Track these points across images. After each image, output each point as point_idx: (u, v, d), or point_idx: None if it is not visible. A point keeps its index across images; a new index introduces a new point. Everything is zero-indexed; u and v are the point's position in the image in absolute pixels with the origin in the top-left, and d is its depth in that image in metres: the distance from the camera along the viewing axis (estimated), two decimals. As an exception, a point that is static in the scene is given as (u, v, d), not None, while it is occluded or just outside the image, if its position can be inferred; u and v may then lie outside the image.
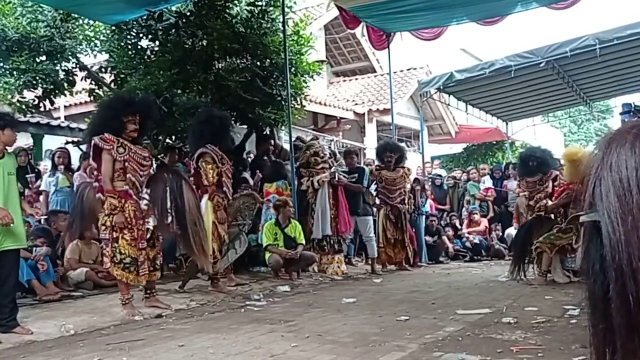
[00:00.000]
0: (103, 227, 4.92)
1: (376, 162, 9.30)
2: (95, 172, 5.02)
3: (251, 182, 8.07)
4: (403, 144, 10.69)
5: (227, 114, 6.74)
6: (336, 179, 7.71)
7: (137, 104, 5.24)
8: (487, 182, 11.31)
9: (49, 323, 4.49)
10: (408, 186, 8.81)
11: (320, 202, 7.47)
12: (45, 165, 8.55)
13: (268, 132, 8.73)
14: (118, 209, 4.86)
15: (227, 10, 7.79)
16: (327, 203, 7.53)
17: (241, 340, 3.81)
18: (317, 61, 9.30)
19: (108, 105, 5.32)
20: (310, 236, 7.49)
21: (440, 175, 12.20)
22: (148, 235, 5.08)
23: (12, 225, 4.17)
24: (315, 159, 7.61)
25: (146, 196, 5.19)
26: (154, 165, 6.74)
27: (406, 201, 8.66)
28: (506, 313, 4.54)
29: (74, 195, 6.06)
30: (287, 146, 8.73)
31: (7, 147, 4.47)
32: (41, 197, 7.51)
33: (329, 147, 9.35)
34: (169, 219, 5.17)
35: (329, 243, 7.62)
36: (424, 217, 9.70)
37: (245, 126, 8.61)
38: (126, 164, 4.94)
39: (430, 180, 11.64)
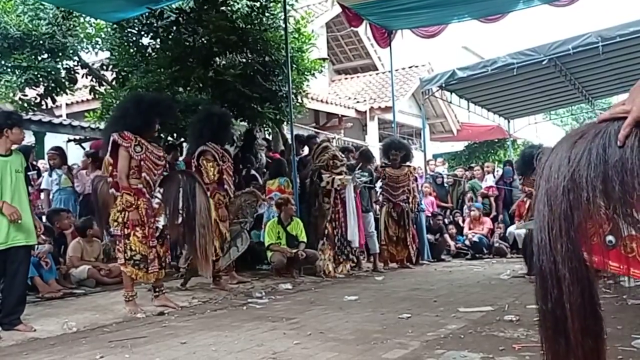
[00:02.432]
0: (115, 224, 4.92)
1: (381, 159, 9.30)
2: (110, 168, 5.01)
3: (260, 180, 8.06)
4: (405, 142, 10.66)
5: (226, 112, 6.73)
6: (358, 187, 7.76)
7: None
8: (490, 180, 11.28)
9: (52, 320, 4.50)
10: (412, 185, 8.79)
11: (349, 208, 7.52)
12: (44, 163, 8.57)
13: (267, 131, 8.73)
14: (133, 205, 4.88)
15: (228, 7, 7.79)
16: (353, 208, 7.58)
17: (243, 337, 3.80)
18: (319, 59, 9.30)
19: (143, 106, 5.07)
20: (317, 236, 7.45)
21: (440, 174, 12.18)
22: (157, 234, 5.09)
23: (20, 221, 4.18)
24: (335, 162, 7.61)
25: (158, 195, 5.21)
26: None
27: (410, 200, 8.65)
28: (508, 311, 4.53)
29: (91, 189, 5.98)
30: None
31: (14, 145, 4.48)
32: (42, 195, 7.53)
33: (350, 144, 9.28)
34: (180, 219, 5.18)
35: (340, 250, 7.60)
36: (424, 214, 9.69)
37: (245, 123, 8.58)
38: (142, 162, 4.96)
39: (431, 178, 11.62)
